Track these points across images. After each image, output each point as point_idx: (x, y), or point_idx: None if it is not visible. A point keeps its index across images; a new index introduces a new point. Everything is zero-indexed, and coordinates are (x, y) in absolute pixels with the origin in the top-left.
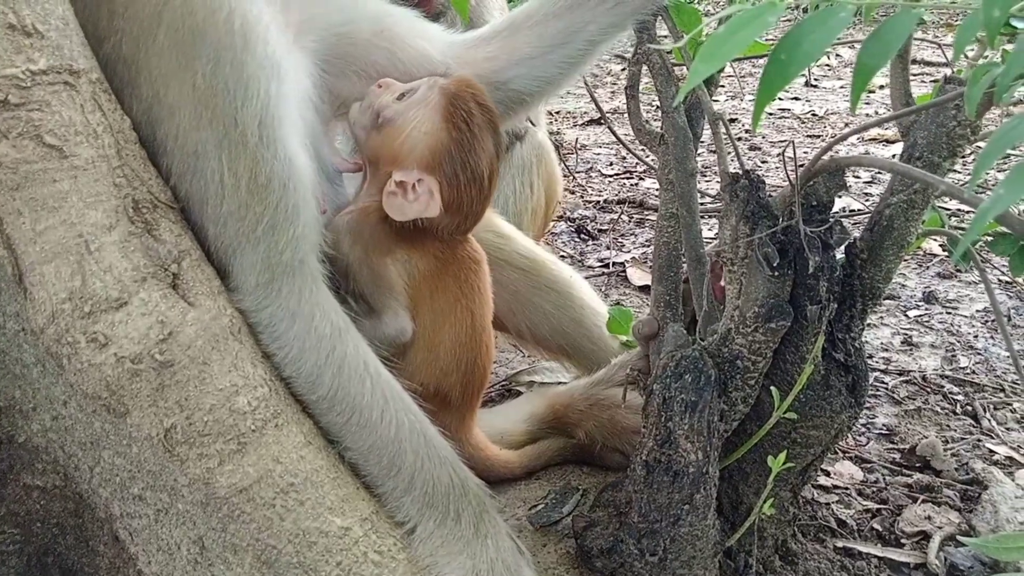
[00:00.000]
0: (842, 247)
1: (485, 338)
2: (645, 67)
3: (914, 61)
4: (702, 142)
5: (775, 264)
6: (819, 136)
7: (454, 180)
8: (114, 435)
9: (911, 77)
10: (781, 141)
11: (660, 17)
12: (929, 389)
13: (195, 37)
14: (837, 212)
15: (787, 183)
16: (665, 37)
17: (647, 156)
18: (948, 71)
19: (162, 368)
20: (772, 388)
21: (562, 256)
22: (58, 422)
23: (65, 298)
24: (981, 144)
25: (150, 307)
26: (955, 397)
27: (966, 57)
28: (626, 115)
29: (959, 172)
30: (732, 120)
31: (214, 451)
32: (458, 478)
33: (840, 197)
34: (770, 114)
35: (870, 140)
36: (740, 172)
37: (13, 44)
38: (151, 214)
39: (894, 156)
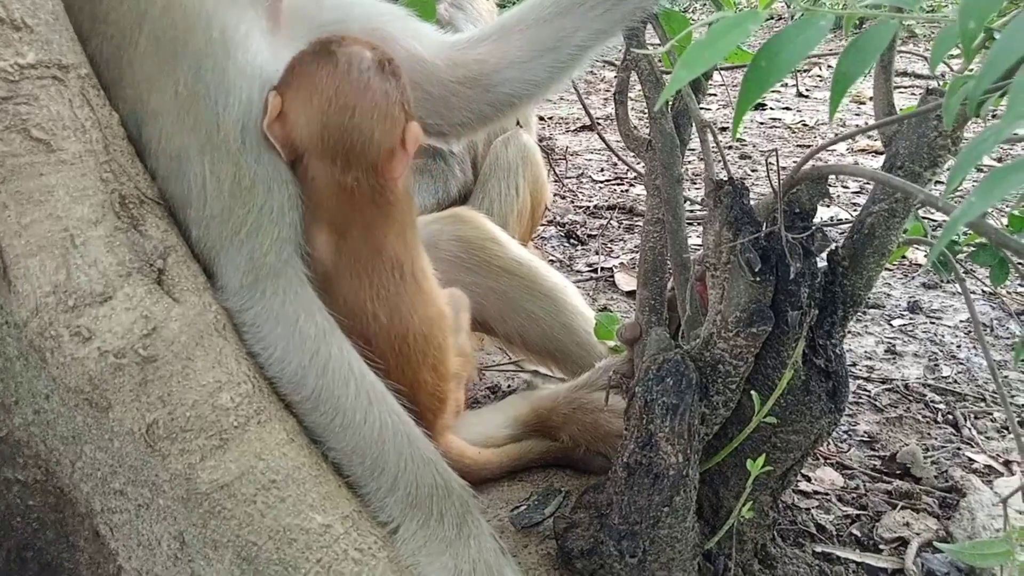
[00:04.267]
0: (824, 254)
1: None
2: (634, 73)
3: (903, 73)
4: (692, 149)
5: (757, 270)
6: (808, 146)
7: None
8: (96, 429)
9: (900, 89)
10: (771, 150)
11: (650, 24)
12: (911, 397)
13: (175, 46)
14: (824, 222)
15: (774, 191)
16: (655, 45)
17: (637, 163)
18: (935, 83)
19: (145, 363)
20: (753, 392)
21: (551, 260)
22: (40, 416)
23: (49, 291)
24: None
25: (134, 302)
26: (936, 406)
27: (950, 68)
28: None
29: (943, 182)
30: (723, 129)
31: (196, 447)
32: (441, 479)
33: (828, 207)
34: (760, 123)
35: (859, 151)
36: (725, 179)
37: (2, 38)
38: (137, 209)
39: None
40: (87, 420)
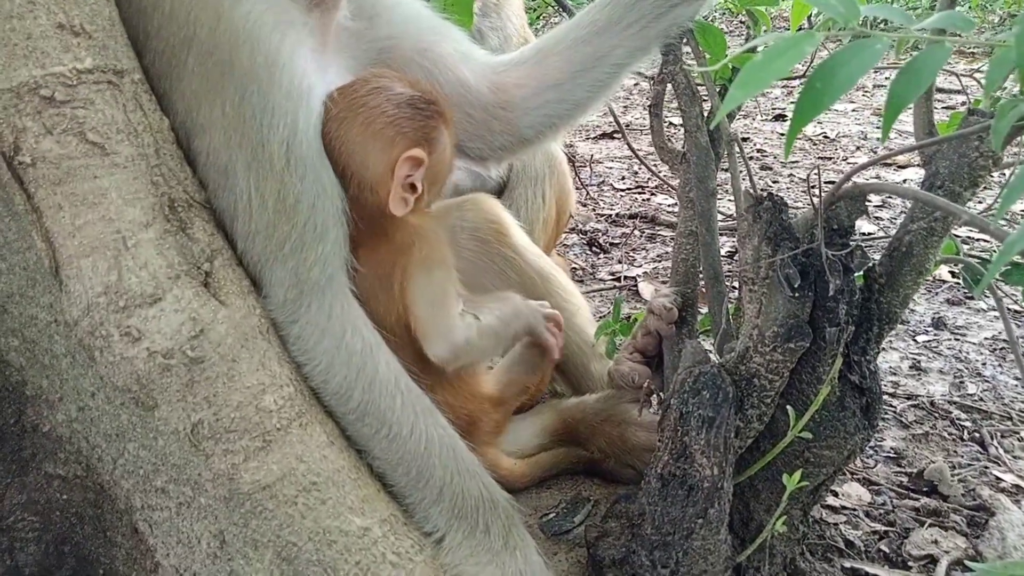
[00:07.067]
0: (861, 271)
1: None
2: (669, 86)
3: None
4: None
5: (796, 285)
6: (831, 158)
7: None
8: (141, 428)
9: None
10: (792, 162)
11: (684, 39)
12: (937, 414)
13: (222, 69)
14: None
15: (802, 203)
16: (687, 54)
17: (661, 171)
18: (961, 97)
19: (193, 364)
20: (788, 407)
21: (574, 268)
22: (84, 413)
23: (101, 292)
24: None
25: (183, 304)
26: (962, 423)
27: (978, 83)
28: (639, 130)
29: (971, 201)
30: (744, 139)
31: (240, 447)
32: (487, 492)
33: None
34: (781, 135)
35: (881, 164)
36: (764, 194)
37: (62, 43)
38: (186, 213)
39: (905, 181)
40: (132, 418)
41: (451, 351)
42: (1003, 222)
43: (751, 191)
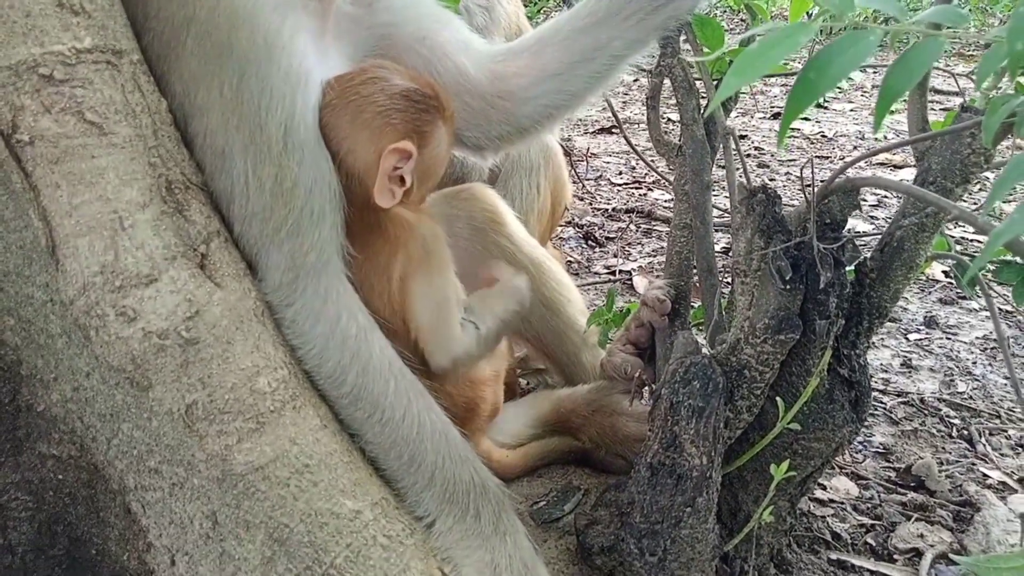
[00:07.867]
0: (852, 265)
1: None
2: (667, 80)
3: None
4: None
5: (787, 278)
6: (828, 157)
7: None
8: (135, 408)
9: None
10: (789, 160)
11: (683, 31)
12: (926, 411)
13: (221, 50)
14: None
15: (797, 201)
16: (686, 49)
17: (658, 167)
18: (959, 99)
19: (187, 345)
20: (778, 399)
21: (569, 261)
22: (79, 393)
23: (97, 271)
24: (988, 173)
25: (179, 285)
26: (951, 421)
27: (970, 79)
28: (637, 125)
29: (963, 200)
30: (742, 136)
31: (233, 429)
32: (479, 477)
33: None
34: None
35: (877, 164)
36: (758, 186)
37: (61, 22)
38: (183, 194)
39: (901, 180)
40: (127, 399)
41: (451, 362)
42: (995, 222)
43: (743, 184)
